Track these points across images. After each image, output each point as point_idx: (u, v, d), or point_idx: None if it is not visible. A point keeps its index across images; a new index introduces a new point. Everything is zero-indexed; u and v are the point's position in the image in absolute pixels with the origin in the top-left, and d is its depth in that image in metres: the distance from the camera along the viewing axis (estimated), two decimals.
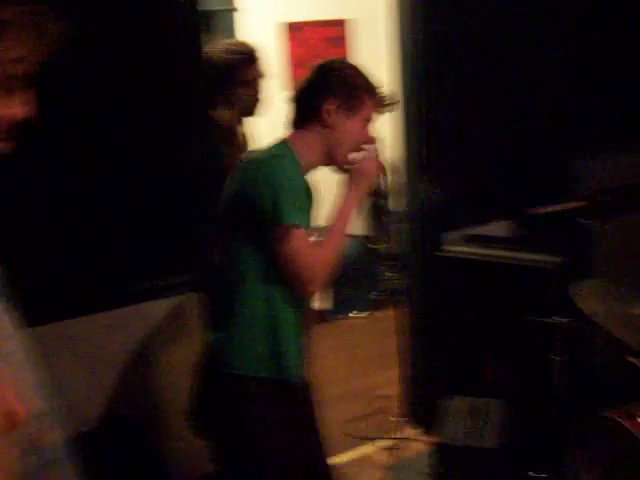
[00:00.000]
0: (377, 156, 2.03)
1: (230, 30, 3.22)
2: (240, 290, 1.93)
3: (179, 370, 2.56)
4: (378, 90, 2.00)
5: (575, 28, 3.43)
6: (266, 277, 1.90)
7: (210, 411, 1.99)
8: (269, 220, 1.82)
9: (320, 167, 2.02)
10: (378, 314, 4.82)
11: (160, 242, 2.65)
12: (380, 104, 2.02)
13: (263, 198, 1.82)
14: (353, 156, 1.99)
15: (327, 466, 2.14)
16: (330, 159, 2.00)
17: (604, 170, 3.34)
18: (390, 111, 2.14)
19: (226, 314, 1.96)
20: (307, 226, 1.89)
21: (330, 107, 1.92)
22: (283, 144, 1.96)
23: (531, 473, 2.94)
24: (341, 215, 1.97)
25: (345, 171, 2.01)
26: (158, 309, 2.70)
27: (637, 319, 2.13)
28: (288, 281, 1.88)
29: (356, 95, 1.95)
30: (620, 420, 2.34)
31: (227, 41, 2.89)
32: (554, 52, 3.42)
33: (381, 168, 2.07)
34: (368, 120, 1.99)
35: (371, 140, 2.02)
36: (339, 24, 5.01)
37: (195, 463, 2.43)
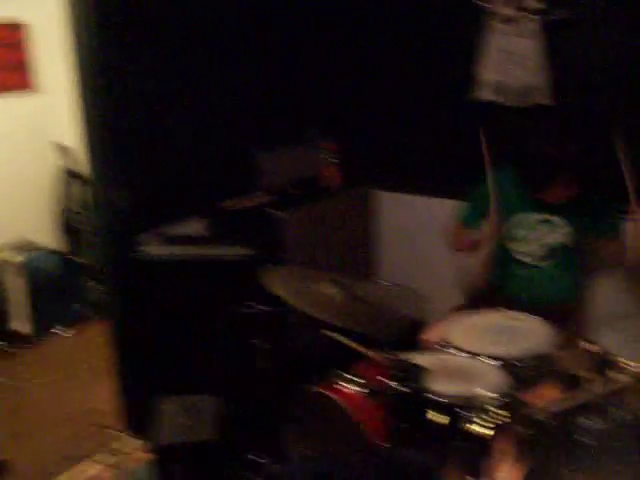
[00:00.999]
0: None
1: None
2: None
3: None
4: None
5: (252, 25, 3.61)
6: None
7: None
8: None
9: None
10: (86, 328, 4.66)
11: None
12: None
13: None
14: None
15: None
16: None
17: (287, 163, 3.56)
18: None
19: None
20: None
21: None
22: None
23: (252, 457, 3.07)
24: None
25: None
26: None
27: (323, 296, 2.32)
28: None
29: None
30: (324, 391, 2.53)
31: None
32: (231, 48, 3.55)
33: None
34: None
35: None
36: (16, 28, 4.73)
37: None
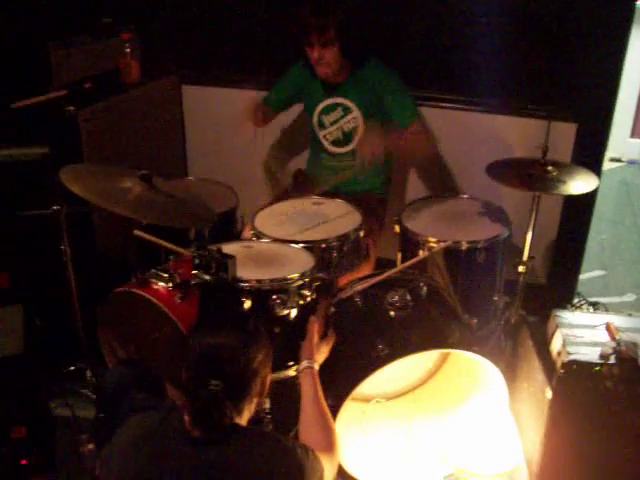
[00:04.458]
0: None
1: None
2: None
3: None
4: None
5: None
6: None
7: None
8: None
9: None
10: None
11: None
12: None
13: None
14: None
15: None
16: None
17: (80, 57, 3.32)
18: None
19: None
20: None
21: None
22: None
23: (72, 367, 2.98)
24: None
25: None
26: None
27: (123, 191, 2.22)
28: None
29: None
30: (134, 290, 2.46)
31: None
32: None
33: None
34: None
35: None
36: None
37: None
